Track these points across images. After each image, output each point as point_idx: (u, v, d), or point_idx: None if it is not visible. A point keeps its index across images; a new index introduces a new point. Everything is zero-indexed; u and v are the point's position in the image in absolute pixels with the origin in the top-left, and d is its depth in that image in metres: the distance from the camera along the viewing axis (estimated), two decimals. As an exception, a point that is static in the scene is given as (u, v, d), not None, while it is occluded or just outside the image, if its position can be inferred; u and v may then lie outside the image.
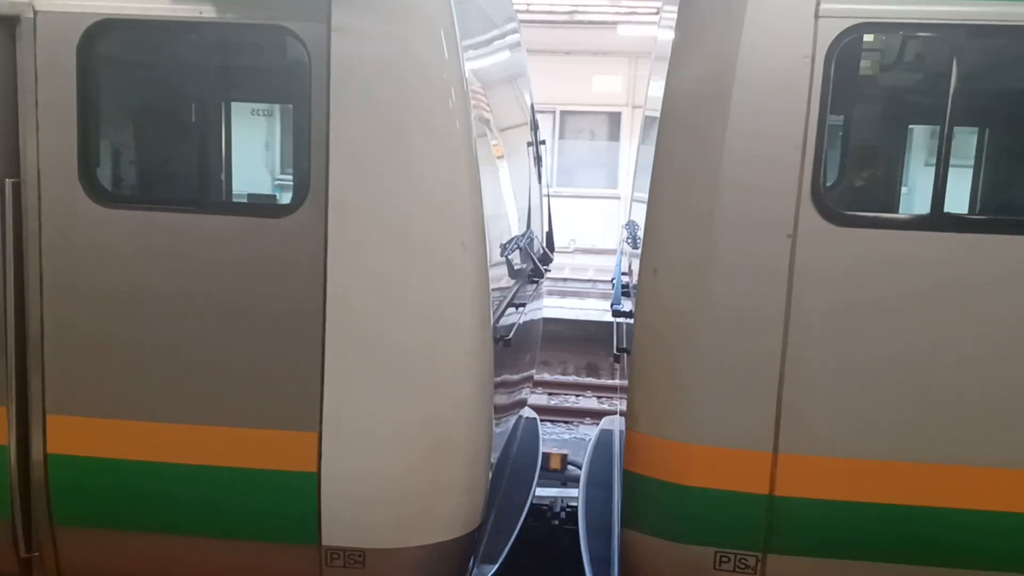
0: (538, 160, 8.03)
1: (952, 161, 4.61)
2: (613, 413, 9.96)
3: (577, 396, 14.32)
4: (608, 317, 10.60)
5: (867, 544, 4.85)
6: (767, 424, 4.79)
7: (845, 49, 4.55)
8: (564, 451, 9.06)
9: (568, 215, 24.02)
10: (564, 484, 8.28)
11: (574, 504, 7.40)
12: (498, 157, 6.35)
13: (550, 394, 14.27)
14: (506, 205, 6.35)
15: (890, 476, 4.75)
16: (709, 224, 4.72)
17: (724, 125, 4.63)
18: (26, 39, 4.86)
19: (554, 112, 26.19)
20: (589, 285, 20.88)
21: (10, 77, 4.92)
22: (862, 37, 4.68)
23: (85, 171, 4.92)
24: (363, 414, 4.92)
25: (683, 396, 4.91)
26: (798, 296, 4.67)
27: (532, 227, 7.50)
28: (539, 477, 8.58)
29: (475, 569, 5.59)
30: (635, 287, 5.45)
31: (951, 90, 4.53)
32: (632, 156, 14.53)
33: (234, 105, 5.80)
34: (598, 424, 8.64)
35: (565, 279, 21.55)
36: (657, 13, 12.08)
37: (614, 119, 26.00)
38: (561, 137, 26.73)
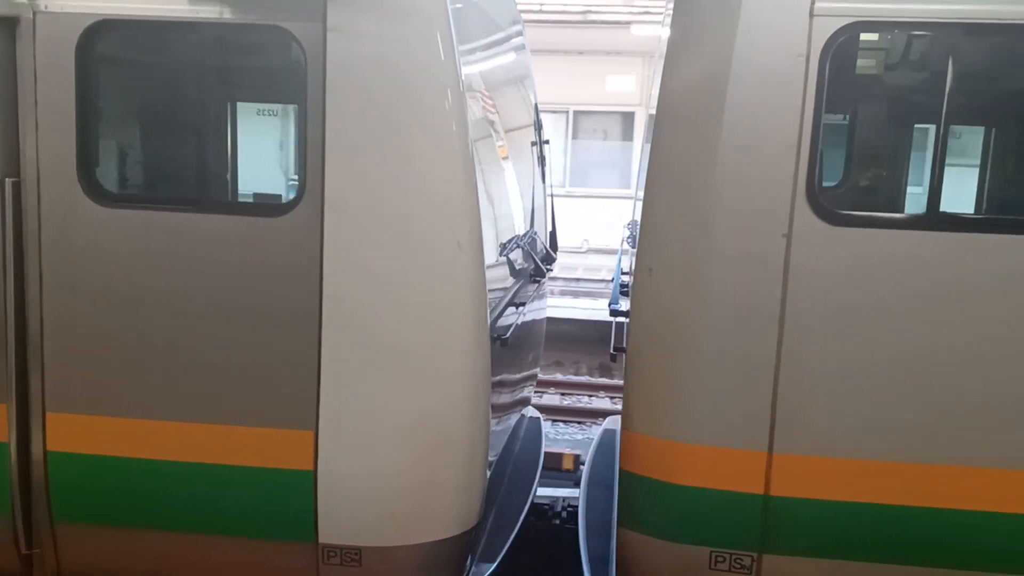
0: (542, 160, 8.02)
1: (949, 160, 4.59)
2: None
3: (590, 396, 14.30)
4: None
5: (862, 544, 4.84)
6: (763, 424, 4.78)
7: (840, 48, 4.53)
8: (577, 451, 9.07)
9: (581, 215, 24.05)
10: (576, 484, 8.27)
11: (576, 503, 7.40)
12: (502, 158, 6.36)
13: (563, 394, 14.25)
14: (506, 205, 6.36)
15: (885, 476, 4.73)
16: (704, 223, 4.72)
17: (719, 124, 4.62)
18: (26, 39, 4.90)
19: (567, 112, 26.20)
20: (602, 285, 20.83)
21: (10, 77, 4.96)
22: (857, 36, 4.65)
23: (84, 171, 4.96)
24: (359, 413, 4.94)
25: (679, 396, 4.90)
26: (793, 296, 4.66)
27: (535, 227, 7.50)
28: (551, 477, 8.61)
29: (473, 567, 5.60)
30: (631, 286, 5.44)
31: (947, 89, 4.51)
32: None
33: (233, 105, 5.83)
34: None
35: (578, 279, 21.54)
36: (669, 13, 12.03)
37: (627, 119, 25.94)
38: (574, 137, 26.72)
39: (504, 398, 6.20)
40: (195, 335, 5.01)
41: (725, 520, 4.92)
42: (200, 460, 5.09)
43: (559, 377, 15.13)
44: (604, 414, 13.07)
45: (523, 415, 7.98)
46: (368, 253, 4.84)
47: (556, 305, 17.97)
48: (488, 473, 5.45)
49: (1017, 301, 4.56)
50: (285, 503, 5.05)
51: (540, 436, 7.96)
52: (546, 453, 9.62)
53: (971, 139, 6.36)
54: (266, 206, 5.46)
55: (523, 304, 6.28)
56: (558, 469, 8.80)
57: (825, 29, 4.51)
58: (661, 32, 8.29)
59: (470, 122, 4.92)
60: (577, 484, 8.25)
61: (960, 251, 4.57)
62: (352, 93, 4.74)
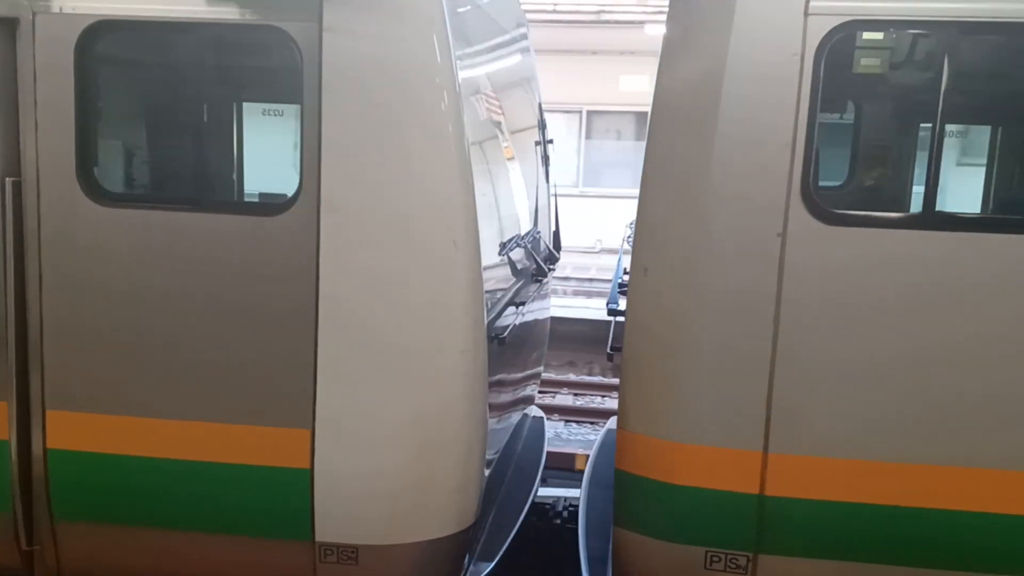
0: (545, 159, 8.03)
1: (945, 159, 4.57)
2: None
3: (603, 397, 14.28)
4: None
5: (858, 544, 4.82)
6: (757, 424, 4.77)
7: (835, 47, 4.52)
8: (589, 452, 9.04)
9: (595, 215, 23.99)
10: (588, 484, 8.24)
11: (577, 503, 7.39)
12: (507, 158, 6.37)
13: (576, 395, 14.24)
14: (508, 204, 6.36)
15: (881, 476, 4.72)
16: (699, 222, 4.72)
17: (714, 123, 4.61)
18: (25, 40, 4.94)
19: (581, 112, 26.15)
20: (615, 286, 20.72)
21: (11, 78, 5.00)
22: (852, 35, 4.64)
23: (82, 170, 4.99)
24: (356, 411, 4.96)
25: (674, 395, 4.90)
26: (788, 295, 4.65)
27: (539, 226, 7.50)
28: (563, 477, 8.60)
29: (471, 566, 5.61)
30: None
31: (942, 88, 4.49)
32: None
33: (230, 105, 5.86)
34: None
35: (591, 279, 21.51)
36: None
37: (641, 119, 25.77)
38: (588, 137, 26.67)
39: (503, 397, 6.20)
40: (193, 333, 5.03)
41: (721, 520, 4.91)
42: (198, 458, 5.12)
43: (572, 377, 15.12)
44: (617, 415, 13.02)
45: (526, 414, 7.98)
46: (364, 252, 4.85)
47: (569, 305, 17.99)
48: (487, 472, 5.46)
49: (1013, 301, 4.53)
50: (282, 501, 5.07)
51: (543, 436, 7.95)
52: (559, 453, 9.67)
53: (969, 138, 6.32)
54: (263, 205, 5.49)
55: (523, 303, 6.28)
56: (571, 469, 8.79)
57: (820, 28, 4.49)
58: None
59: (468, 122, 4.93)
60: (588, 484, 8.23)
61: (956, 251, 4.55)
62: (348, 93, 4.75)
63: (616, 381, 14.82)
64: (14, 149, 5.03)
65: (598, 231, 24.46)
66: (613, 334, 6.18)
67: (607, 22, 22.14)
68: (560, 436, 12.22)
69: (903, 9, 4.48)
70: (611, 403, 13.95)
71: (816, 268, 4.62)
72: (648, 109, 4.99)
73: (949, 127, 4.92)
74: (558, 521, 7.48)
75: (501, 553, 5.80)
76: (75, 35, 4.91)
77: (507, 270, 6.03)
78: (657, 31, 21.03)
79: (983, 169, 6.22)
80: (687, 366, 4.84)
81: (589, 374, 15.77)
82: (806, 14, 4.50)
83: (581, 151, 26.59)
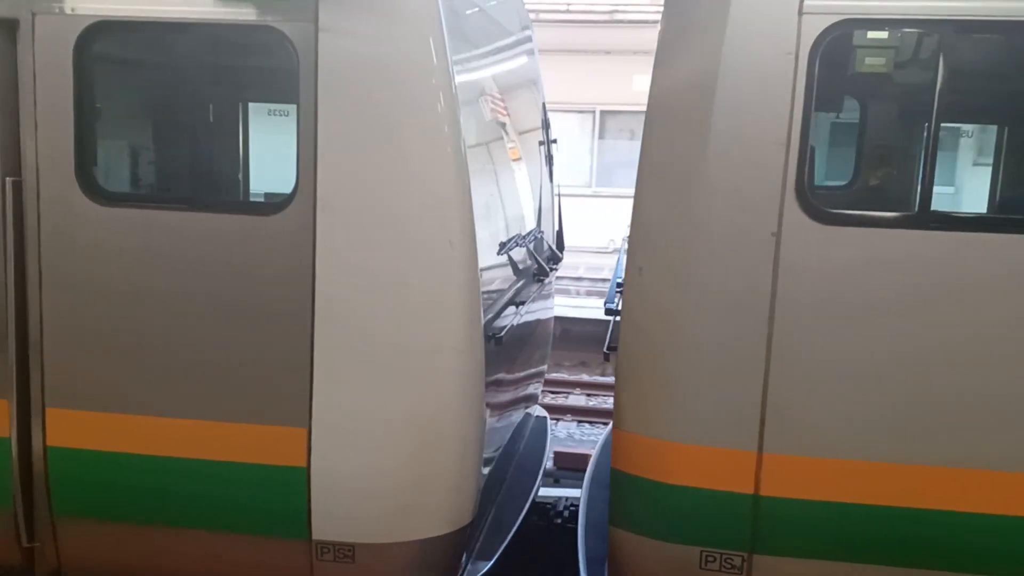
0: (549, 159, 8.03)
1: (940, 159, 4.55)
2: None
3: (615, 397, 14.22)
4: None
5: (853, 545, 4.80)
6: (752, 423, 4.76)
7: (829, 46, 4.50)
8: (601, 452, 9.02)
9: (608, 215, 23.95)
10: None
11: (578, 503, 7.38)
12: (513, 159, 6.37)
13: (588, 395, 14.21)
14: (509, 204, 6.37)
15: (875, 476, 4.69)
16: (694, 222, 4.71)
17: (708, 122, 4.60)
18: (25, 40, 4.99)
19: (594, 112, 26.12)
20: (627, 286, 20.67)
21: (11, 78, 5.05)
22: (846, 34, 4.62)
23: (81, 170, 5.03)
24: (352, 410, 4.97)
25: (669, 395, 4.89)
26: (783, 294, 4.63)
27: (542, 226, 7.51)
28: (575, 478, 8.57)
29: (469, 565, 5.61)
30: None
31: (937, 86, 4.47)
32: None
33: (228, 105, 5.89)
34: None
35: (604, 279, 21.45)
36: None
37: (655, 119, 25.70)
38: (601, 137, 26.64)
39: (502, 396, 6.20)
40: (191, 332, 5.06)
41: (715, 520, 4.90)
42: (195, 456, 5.15)
43: (584, 378, 15.08)
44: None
45: (529, 414, 7.98)
46: (360, 252, 4.86)
47: (582, 306, 17.93)
48: (485, 471, 5.46)
49: (1008, 300, 4.50)
50: (279, 500, 5.09)
51: (546, 435, 7.95)
52: (571, 454, 9.65)
53: (967, 138, 6.29)
54: (259, 205, 5.52)
55: (523, 303, 6.29)
56: (583, 470, 8.75)
57: (814, 27, 4.48)
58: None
59: (468, 122, 4.94)
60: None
61: (952, 250, 4.52)
62: (344, 94, 4.77)
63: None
64: (14, 149, 5.07)
65: (611, 231, 24.40)
66: (611, 334, 6.17)
67: (620, 22, 22.13)
68: (573, 437, 12.19)
69: (898, 8, 4.46)
70: (623, 404, 13.89)
71: (811, 267, 4.60)
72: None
73: (962, 128, 4.89)
74: (559, 521, 7.47)
75: (500, 552, 5.80)
76: (74, 35, 4.95)
77: (507, 270, 6.04)
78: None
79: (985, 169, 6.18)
80: (682, 366, 4.83)
81: (602, 375, 15.74)
82: (800, 13, 4.49)
83: (594, 151, 26.56)
